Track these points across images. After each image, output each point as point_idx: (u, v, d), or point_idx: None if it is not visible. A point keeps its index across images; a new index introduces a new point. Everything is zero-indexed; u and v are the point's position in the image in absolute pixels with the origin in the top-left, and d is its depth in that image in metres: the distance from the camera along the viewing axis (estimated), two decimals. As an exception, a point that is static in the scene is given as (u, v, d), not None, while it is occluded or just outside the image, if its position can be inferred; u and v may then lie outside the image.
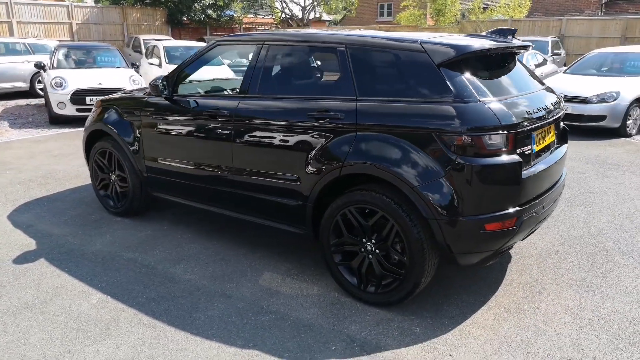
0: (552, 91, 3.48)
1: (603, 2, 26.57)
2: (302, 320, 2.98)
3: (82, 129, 5.07)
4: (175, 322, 2.96)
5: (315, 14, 28.83)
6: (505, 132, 2.70)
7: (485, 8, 21.89)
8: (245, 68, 3.71)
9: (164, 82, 3.90)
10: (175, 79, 3.99)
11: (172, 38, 17.95)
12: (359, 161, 2.96)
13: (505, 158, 2.72)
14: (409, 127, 2.82)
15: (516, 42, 3.23)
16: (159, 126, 4.08)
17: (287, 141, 3.32)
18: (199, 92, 4.32)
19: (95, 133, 4.70)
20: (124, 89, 9.36)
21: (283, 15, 28.93)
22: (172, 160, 4.05)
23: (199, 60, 4.00)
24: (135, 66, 10.86)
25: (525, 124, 2.84)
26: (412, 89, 2.87)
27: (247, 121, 3.50)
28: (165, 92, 3.92)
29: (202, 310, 3.09)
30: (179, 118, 3.94)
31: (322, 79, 3.42)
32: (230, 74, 9.57)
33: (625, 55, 9.65)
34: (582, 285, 3.39)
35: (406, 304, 3.08)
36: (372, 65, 3.07)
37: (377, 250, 3.03)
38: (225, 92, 4.56)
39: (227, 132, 3.59)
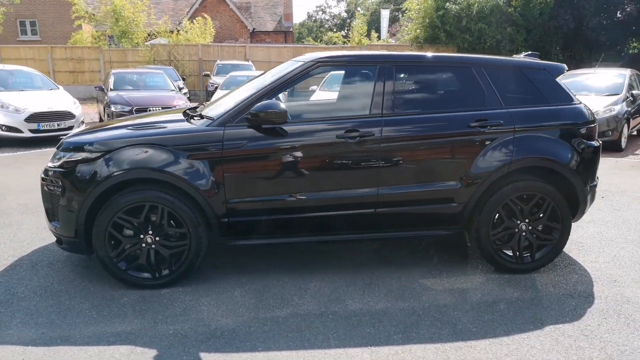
0: None
1: (250, 33, 31.63)
2: (522, 299, 3.45)
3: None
4: (447, 338, 2.99)
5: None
6: (596, 124, 3.98)
7: (172, 32, 22.42)
8: None
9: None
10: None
11: None
12: (526, 156, 3.66)
13: (599, 142, 3.99)
14: (556, 124, 3.75)
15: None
16: (262, 159, 3.47)
17: (448, 151, 3.64)
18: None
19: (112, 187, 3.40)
20: None
21: None
22: (280, 195, 3.52)
23: (294, 82, 3.62)
24: None
25: None
26: (544, 96, 3.77)
27: (398, 139, 3.58)
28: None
29: (447, 323, 3.14)
30: (293, 145, 3.48)
31: (461, 94, 3.80)
32: None
33: None
34: (587, 244, 4.50)
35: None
36: (505, 80, 3.78)
37: (529, 227, 3.79)
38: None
39: (370, 152, 3.53)
